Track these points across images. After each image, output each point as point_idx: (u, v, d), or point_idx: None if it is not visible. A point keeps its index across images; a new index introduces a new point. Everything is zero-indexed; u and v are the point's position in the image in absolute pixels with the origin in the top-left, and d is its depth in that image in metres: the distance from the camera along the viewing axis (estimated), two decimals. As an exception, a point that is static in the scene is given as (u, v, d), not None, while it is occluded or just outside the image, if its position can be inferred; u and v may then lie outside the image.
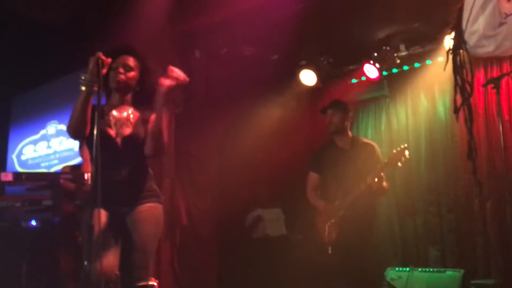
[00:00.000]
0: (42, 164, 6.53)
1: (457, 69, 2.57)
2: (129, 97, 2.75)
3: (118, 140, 2.61)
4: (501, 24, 2.42)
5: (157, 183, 2.84)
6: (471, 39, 2.54)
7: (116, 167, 2.58)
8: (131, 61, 2.72)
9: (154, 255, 2.69)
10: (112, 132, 2.62)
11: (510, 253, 4.06)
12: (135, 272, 2.56)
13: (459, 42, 2.53)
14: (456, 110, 2.52)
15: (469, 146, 2.54)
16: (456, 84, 2.53)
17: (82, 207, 2.90)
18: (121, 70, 2.67)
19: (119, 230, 2.61)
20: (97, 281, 2.31)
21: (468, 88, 2.54)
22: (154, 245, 2.65)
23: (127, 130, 2.66)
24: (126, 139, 2.64)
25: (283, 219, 5.94)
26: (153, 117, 2.66)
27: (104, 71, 2.51)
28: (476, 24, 2.46)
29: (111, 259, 2.54)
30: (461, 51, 2.54)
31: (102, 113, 2.57)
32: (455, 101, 2.55)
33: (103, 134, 2.47)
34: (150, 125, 2.65)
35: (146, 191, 2.66)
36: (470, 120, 2.49)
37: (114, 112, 2.66)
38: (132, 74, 2.71)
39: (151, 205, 2.64)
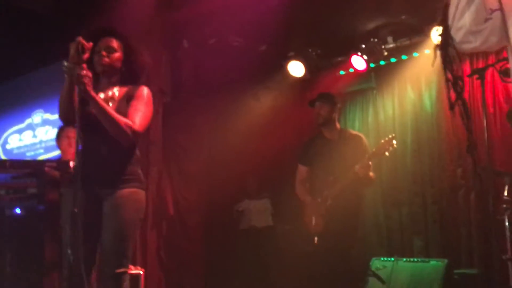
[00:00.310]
0: (28, 154, 6.47)
1: (446, 65, 2.58)
2: (116, 78, 2.69)
3: (94, 114, 2.52)
4: (486, 19, 2.44)
5: (144, 172, 2.78)
6: (457, 35, 2.55)
7: (97, 145, 2.52)
8: (113, 43, 2.66)
9: (133, 242, 2.60)
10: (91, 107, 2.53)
11: (493, 243, 4.11)
12: (112, 258, 2.48)
13: (446, 38, 2.55)
14: (451, 107, 2.53)
15: (468, 141, 2.56)
16: (447, 79, 2.55)
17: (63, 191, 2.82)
18: (103, 53, 2.62)
19: (98, 215, 2.54)
20: (78, 268, 2.26)
21: (460, 84, 2.55)
22: (133, 231, 2.57)
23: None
24: None
25: (270, 210, 5.97)
26: (137, 93, 2.62)
27: (86, 55, 2.46)
28: (462, 20, 2.47)
29: (91, 246, 2.50)
30: (449, 47, 2.56)
31: (80, 96, 2.54)
32: (449, 98, 2.57)
33: (85, 114, 2.42)
34: (132, 101, 2.60)
35: (128, 175, 2.57)
36: (466, 115, 2.50)
37: (101, 95, 2.63)
38: (116, 55, 2.65)
39: (131, 190, 2.56)
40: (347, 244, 3.96)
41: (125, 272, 2.51)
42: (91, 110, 2.51)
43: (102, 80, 2.67)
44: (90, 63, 2.55)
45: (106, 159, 2.56)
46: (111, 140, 2.55)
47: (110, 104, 2.60)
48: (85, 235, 2.27)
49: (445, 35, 2.65)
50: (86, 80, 2.39)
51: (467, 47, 2.64)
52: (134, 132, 2.53)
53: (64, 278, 2.51)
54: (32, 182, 3.50)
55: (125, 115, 2.55)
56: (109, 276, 2.47)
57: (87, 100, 2.45)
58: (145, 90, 2.67)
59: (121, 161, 2.59)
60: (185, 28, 5.47)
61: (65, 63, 2.42)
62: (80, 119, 2.33)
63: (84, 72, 2.40)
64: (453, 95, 2.61)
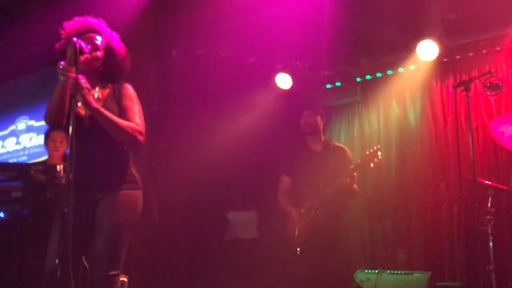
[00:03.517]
0: (10, 161, 6.37)
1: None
2: (95, 76, 2.62)
3: (87, 119, 2.49)
4: None
5: None
6: None
7: (90, 151, 2.47)
8: (96, 40, 2.59)
9: (127, 246, 2.51)
10: (81, 111, 2.48)
11: (475, 256, 4.16)
12: (105, 262, 2.41)
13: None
14: None
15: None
16: None
17: (55, 199, 2.74)
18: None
19: (90, 221, 2.48)
20: (65, 274, 2.19)
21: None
22: (128, 234, 2.51)
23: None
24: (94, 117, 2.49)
25: (256, 222, 5.95)
26: (124, 92, 2.59)
27: (82, 58, 2.44)
28: None
29: (78, 254, 2.44)
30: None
31: (74, 97, 2.51)
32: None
33: (79, 119, 2.38)
34: (123, 102, 2.57)
35: (123, 177, 2.54)
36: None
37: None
38: (97, 53, 2.57)
39: (128, 192, 2.52)
40: (330, 255, 3.96)
41: (118, 275, 2.46)
42: (84, 115, 2.48)
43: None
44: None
45: (101, 165, 2.51)
46: (106, 146, 2.52)
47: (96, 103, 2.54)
48: (73, 240, 2.17)
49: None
50: (86, 91, 2.36)
51: None
52: (141, 133, 2.53)
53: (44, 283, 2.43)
54: (17, 186, 3.45)
55: (114, 114, 2.52)
56: (102, 278, 2.42)
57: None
58: (130, 88, 2.66)
59: (116, 163, 2.55)
60: (174, 37, 5.50)
61: (61, 65, 2.38)
62: (74, 124, 2.25)
63: (83, 81, 2.37)
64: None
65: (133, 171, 2.62)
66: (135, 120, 2.56)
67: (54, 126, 2.55)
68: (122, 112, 2.56)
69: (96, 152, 2.50)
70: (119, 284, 2.46)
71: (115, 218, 2.46)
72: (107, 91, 2.62)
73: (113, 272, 2.43)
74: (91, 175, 2.48)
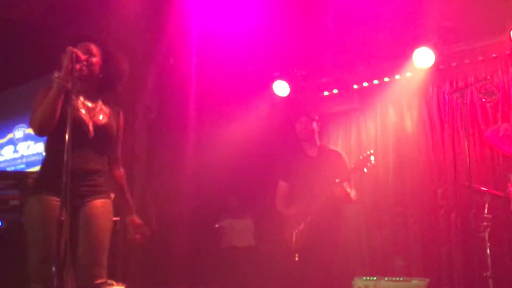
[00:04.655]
0: (8, 169, 6.37)
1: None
2: (94, 84, 2.68)
3: (91, 127, 2.56)
4: None
5: (128, 187, 2.84)
6: None
7: (85, 155, 2.54)
8: (92, 48, 2.65)
9: (107, 252, 2.59)
10: (84, 117, 2.57)
11: (473, 262, 4.17)
12: (91, 269, 2.45)
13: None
14: None
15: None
16: None
17: (26, 194, 2.74)
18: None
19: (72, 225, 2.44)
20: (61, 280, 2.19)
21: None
22: (108, 241, 2.59)
23: (102, 120, 2.64)
24: (100, 127, 2.61)
25: (252, 230, 5.95)
26: (121, 122, 2.78)
27: (78, 66, 2.46)
28: None
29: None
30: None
31: (68, 98, 2.54)
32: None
33: (75, 118, 2.43)
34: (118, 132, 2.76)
35: (101, 186, 2.63)
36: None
37: (82, 99, 2.61)
38: (94, 60, 2.62)
39: (105, 201, 2.61)
40: (327, 260, 3.97)
41: (105, 283, 2.49)
42: (78, 113, 2.53)
43: (80, 84, 2.60)
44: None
45: (91, 170, 2.57)
46: (99, 152, 2.61)
47: (101, 117, 2.63)
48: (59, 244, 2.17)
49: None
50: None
51: None
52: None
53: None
54: (15, 194, 3.44)
55: (115, 132, 2.70)
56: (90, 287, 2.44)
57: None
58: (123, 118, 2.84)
59: (101, 173, 2.64)
60: (172, 45, 5.52)
61: (56, 74, 2.40)
62: (71, 131, 2.28)
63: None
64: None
65: (105, 181, 2.71)
66: (119, 151, 2.82)
67: (41, 133, 2.54)
68: (117, 141, 2.77)
69: (89, 158, 2.56)
70: None
71: (96, 228, 2.51)
72: (108, 110, 2.72)
73: (99, 281, 2.46)
74: (80, 179, 2.51)
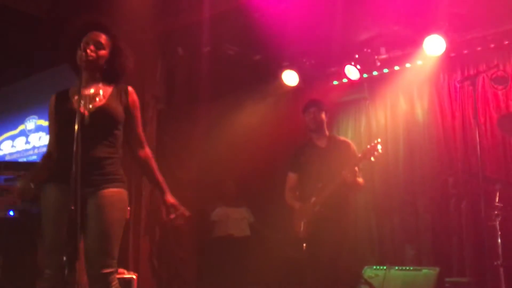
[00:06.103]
0: (20, 160, 6.44)
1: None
2: (98, 75, 2.62)
3: (86, 114, 2.45)
4: None
5: (137, 179, 2.78)
6: None
7: (87, 145, 2.42)
8: (102, 39, 2.59)
9: (119, 242, 2.51)
10: (77, 106, 2.44)
11: (484, 251, 4.15)
12: (98, 259, 2.41)
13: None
14: None
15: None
16: None
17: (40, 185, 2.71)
18: (92, 47, 2.55)
19: (82, 215, 2.39)
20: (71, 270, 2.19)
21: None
22: (119, 232, 2.51)
23: (97, 103, 2.53)
24: (96, 112, 2.50)
25: (248, 219, 5.92)
26: (134, 100, 2.65)
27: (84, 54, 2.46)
28: None
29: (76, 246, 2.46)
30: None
31: (67, 96, 2.56)
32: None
33: (69, 110, 2.42)
34: (133, 111, 2.65)
35: (112, 174, 2.52)
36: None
37: (91, 90, 2.57)
38: (102, 52, 2.58)
39: (116, 190, 2.51)
40: (336, 249, 3.96)
41: (113, 272, 2.45)
42: (72, 106, 2.48)
43: (84, 73, 2.52)
44: (75, 55, 2.50)
45: (97, 161, 2.51)
46: (102, 143, 2.53)
47: (97, 99, 2.55)
48: (71, 233, 2.17)
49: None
50: None
51: None
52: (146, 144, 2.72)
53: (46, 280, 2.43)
54: (26, 185, 3.48)
55: (116, 111, 2.55)
56: (96, 277, 2.42)
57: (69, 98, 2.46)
58: (135, 94, 2.69)
59: (108, 159, 2.54)
60: (180, 35, 5.51)
61: None
62: (80, 121, 2.29)
63: None
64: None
65: (121, 170, 2.59)
66: (141, 130, 2.68)
67: None
68: (131, 120, 2.62)
69: (93, 149, 2.49)
70: (116, 282, 2.44)
71: (104, 217, 2.46)
72: (110, 89, 2.63)
73: (106, 270, 2.42)
74: (86, 169, 2.41)
